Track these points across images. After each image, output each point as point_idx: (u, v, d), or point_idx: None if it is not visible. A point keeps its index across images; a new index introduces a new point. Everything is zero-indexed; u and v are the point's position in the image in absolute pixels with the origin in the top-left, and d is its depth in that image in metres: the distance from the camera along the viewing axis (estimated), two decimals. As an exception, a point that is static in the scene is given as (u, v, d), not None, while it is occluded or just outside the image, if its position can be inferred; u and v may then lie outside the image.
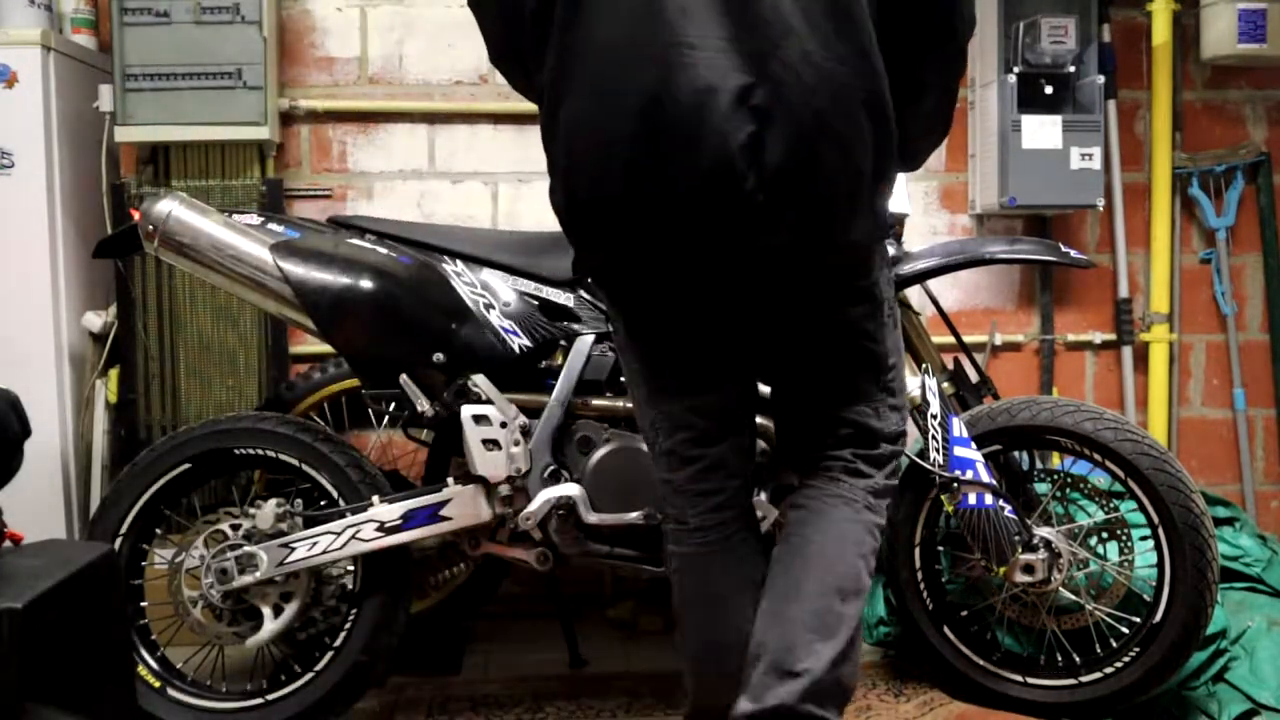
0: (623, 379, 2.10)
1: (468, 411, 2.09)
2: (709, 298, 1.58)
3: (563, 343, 2.20)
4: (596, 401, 2.16)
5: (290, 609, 2.08)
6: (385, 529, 2.07)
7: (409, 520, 2.08)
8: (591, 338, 2.18)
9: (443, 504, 2.10)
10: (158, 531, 2.17)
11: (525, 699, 2.29)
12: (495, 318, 2.17)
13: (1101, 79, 2.91)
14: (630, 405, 2.12)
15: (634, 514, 2.08)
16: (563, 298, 2.21)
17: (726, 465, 1.65)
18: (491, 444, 2.08)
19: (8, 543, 1.26)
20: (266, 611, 2.07)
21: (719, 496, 1.65)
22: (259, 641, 2.07)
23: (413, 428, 2.43)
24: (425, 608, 2.55)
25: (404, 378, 2.13)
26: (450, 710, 2.24)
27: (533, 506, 2.08)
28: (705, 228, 1.46)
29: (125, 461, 2.38)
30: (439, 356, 2.12)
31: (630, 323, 1.66)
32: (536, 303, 2.20)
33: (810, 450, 1.70)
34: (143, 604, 2.15)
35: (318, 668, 2.08)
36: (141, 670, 2.06)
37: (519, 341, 2.16)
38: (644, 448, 2.08)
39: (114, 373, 2.68)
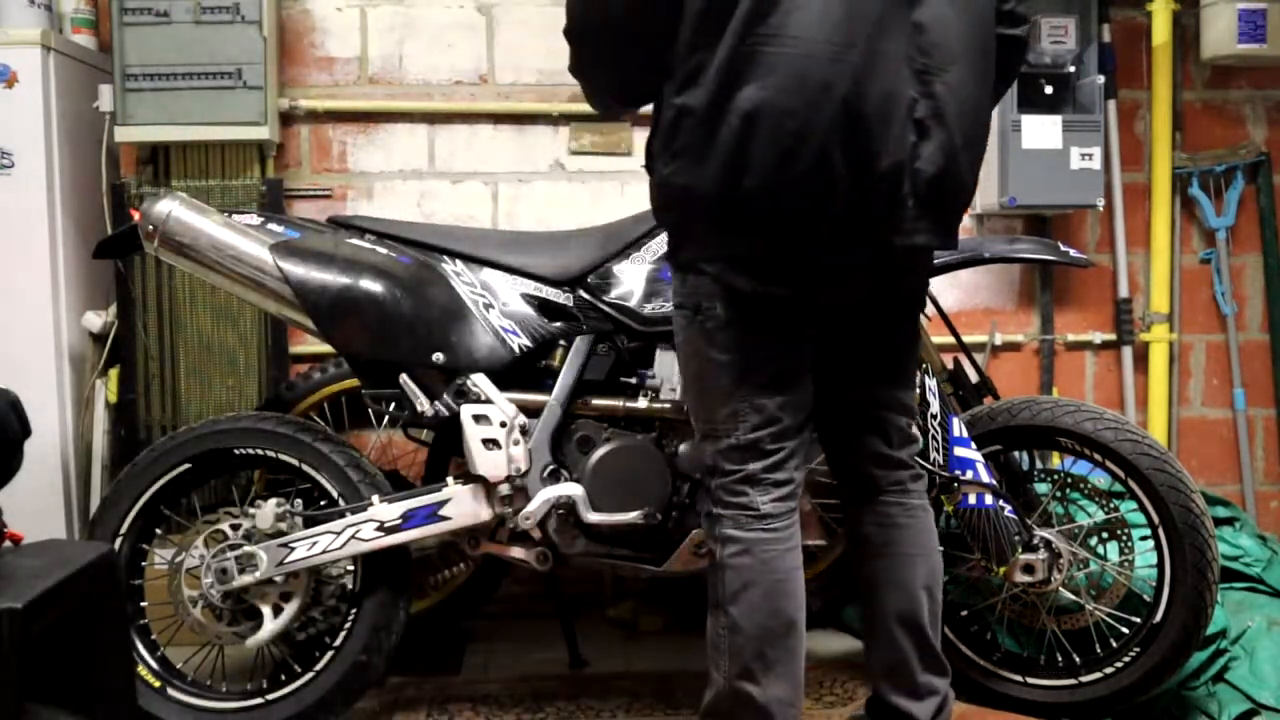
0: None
1: (467, 411, 2.09)
2: (833, 293, 1.73)
3: (562, 343, 2.20)
4: (596, 401, 2.16)
5: (290, 609, 2.08)
6: (385, 529, 2.07)
7: (408, 520, 2.08)
8: (591, 337, 2.18)
9: (442, 504, 2.10)
10: (158, 531, 2.18)
11: (525, 699, 2.29)
12: (495, 317, 2.17)
13: (1101, 79, 2.91)
14: (631, 405, 2.14)
15: (634, 513, 2.08)
16: (562, 298, 2.21)
17: (797, 457, 1.77)
18: (491, 443, 2.08)
19: (8, 543, 1.26)
20: (266, 611, 2.07)
21: (789, 486, 1.76)
22: (259, 641, 2.07)
23: (412, 428, 2.43)
24: (425, 608, 2.56)
25: (404, 378, 2.13)
26: (450, 710, 2.24)
27: (532, 506, 2.07)
28: (865, 224, 1.63)
29: (125, 461, 2.38)
30: (439, 356, 2.12)
31: (746, 314, 1.69)
32: (536, 303, 2.20)
33: (880, 454, 1.86)
34: (143, 604, 2.16)
35: (317, 667, 2.08)
36: (141, 670, 2.07)
37: (518, 341, 2.16)
38: (643, 448, 2.11)
39: (114, 373, 2.69)
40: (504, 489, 2.08)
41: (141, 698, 1.99)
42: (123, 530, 2.12)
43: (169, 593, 2.14)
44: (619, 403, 2.15)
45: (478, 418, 2.09)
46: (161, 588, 2.17)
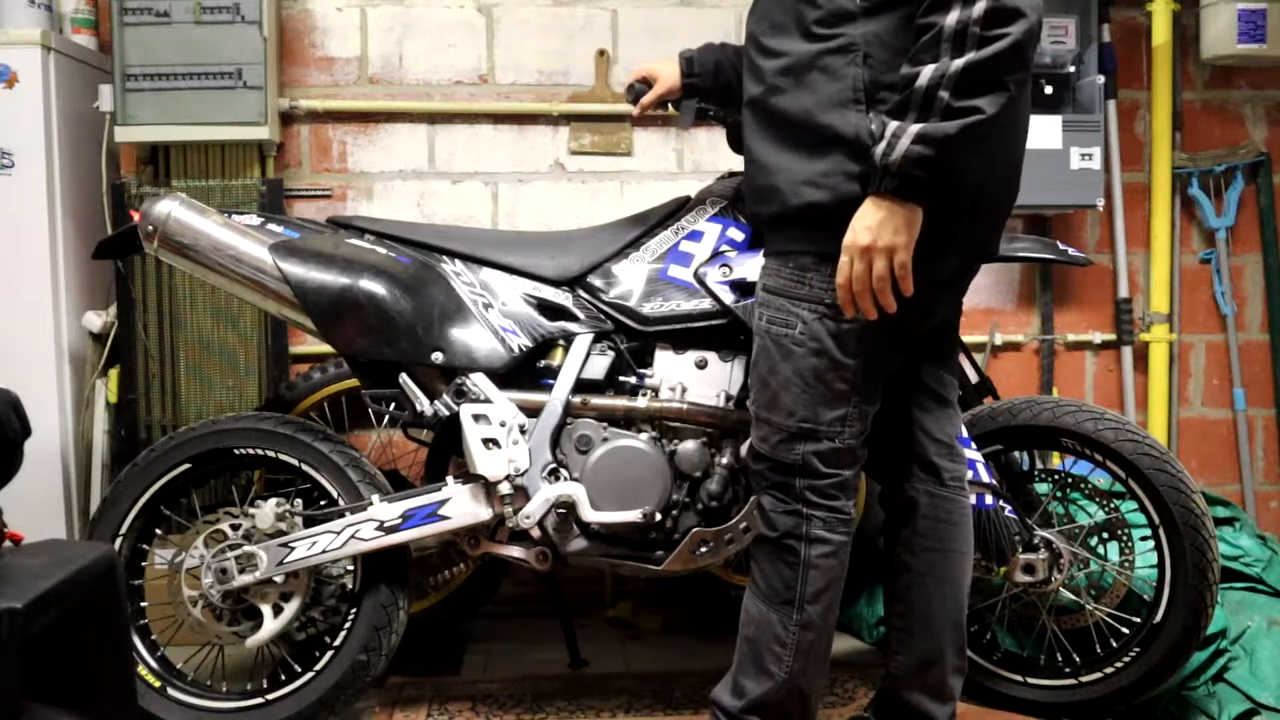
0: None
1: (467, 411, 2.09)
2: (950, 301, 1.90)
3: (561, 342, 2.20)
4: (595, 400, 2.16)
5: (290, 609, 2.08)
6: (385, 528, 2.07)
7: (408, 519, 2.08)
8: (590, 337, 2.18)
9: (442, 503, 2.10)
10: (158, 532, 2.18)
11: (525, 699, 2.29)
12: (494, 317, 2.17)
13: (1101, 79, 2.92)
14: (630, 404, 2.14)
15: (633, 513, 2.08)
16: (561, 297, 2.21)
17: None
18: (491, 443, 2.08)
19: (8, 543, 1.26)
20: (266, 611, 2.08)
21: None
22: (259, 641, 2.07)
23: (412, 428, 2.43)
24: (425, 608, 2.56)
25: (403, 377, 2.13)
26: (450, 710, 2.24)
27: (532, 505, 2.07)
28: (994, 234, 1.83)
29: (125, 461, 2.38)
30: (438, 356, 2.12)
31: (884, 319, 1.68)
32: (535, 302, 2.20)
33: (949, 446, 1.92)
34: (143, 604, 2.16)
35: (317, 667, 2.08)
36: (141, 670, 2.07)
37: (518, 341, 2.16)
38: (643, 447, 2.11)
39: (114, 373, 2.69)
40: (504, 488, 2.08)
41: (141, 698, 1.99)
42: (123, 530, 2.12)
43: (169, 593, 2.14)
44: (618, 402, 2.15)
45: (477, 417, 2.09)
46: (161, 588, 2.18)
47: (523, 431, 2.11)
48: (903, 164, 1.56)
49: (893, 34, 1.65)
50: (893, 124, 1.58)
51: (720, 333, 2.17)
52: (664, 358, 2.20)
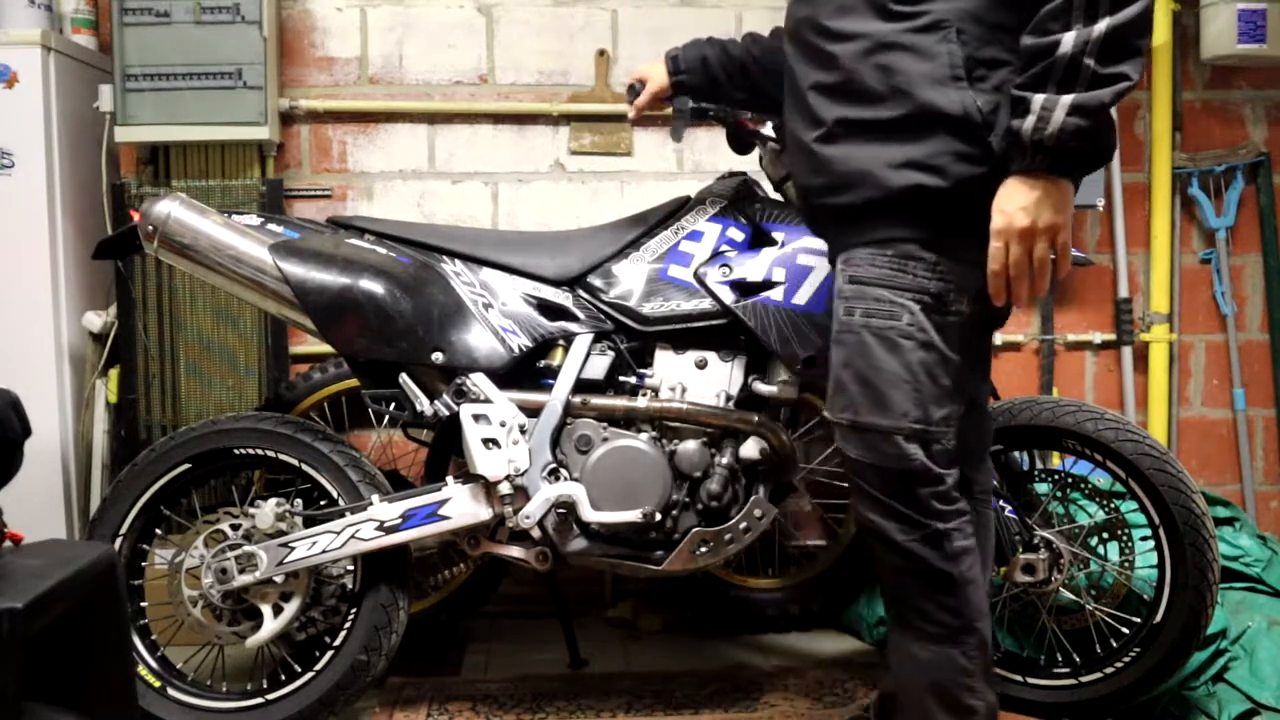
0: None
1: (467, 411, 2.09)
2: None
3: (561, 342, 2.20)
4: (595, 400, 2.16)
5: (290, 609, 2.08)
6: (385, 528, 2.07)
7: (408, 519, 2.08)
8: (590, 337, 2.18)
9: (442, 503, 2.10)
10: (158, 532, 2.18)
11: (525, 699, 2.29)
12: (494, 317, 2.17)
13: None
14: (630, 404, 2.14)
15: (633, 513, 2.08)
16: (561, 297, 2.21)
17: None
18: (490, 443, 2.08)
19: (8, 543, 1.26)
20: (266, 611, 2.08)
21: None
22: (259, 641, 2.07)
23: (412, 428, 2.43)
24: (425, 608, 2.56)
25: (403, 377, 2.13)
26: (450, 710, 2.24)
27: (532, 505, 2.07)
28: None
29: (125, 461, 2.38)
30: (438, 356, 2.12)
31: (984, 311, 1.67)
32: (535, 302, 2.20)
33: (969, 455, 1.83)
34: (143, 604, 2.16)
35: (317, 667, 2.08)
36: (142, 670, 2.07)
37: (518, 341, 2.16)
38: (643, 447, 2.11)
39: (114, 373, 2.69)
40: (504, 488, 2.08)
41: (142, 698, 1.99)
42: (123, 530, 2.12)
43: (169, 593, 2.14)
44: (618, 402, 2.15)
45: (477, 417, 2.09)
46: (161, 588, 2.18)
47: (523, 431, 2.11)
48: (1059, 137, 1.48)
49: (985, 9, 1.60)
50: (1039, 97, 1.48)
51: (720, 333, 2.18)
52: (664, 358, 2.20)
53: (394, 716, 2.22)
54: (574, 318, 2.19)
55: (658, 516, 2.09)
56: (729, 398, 2.18)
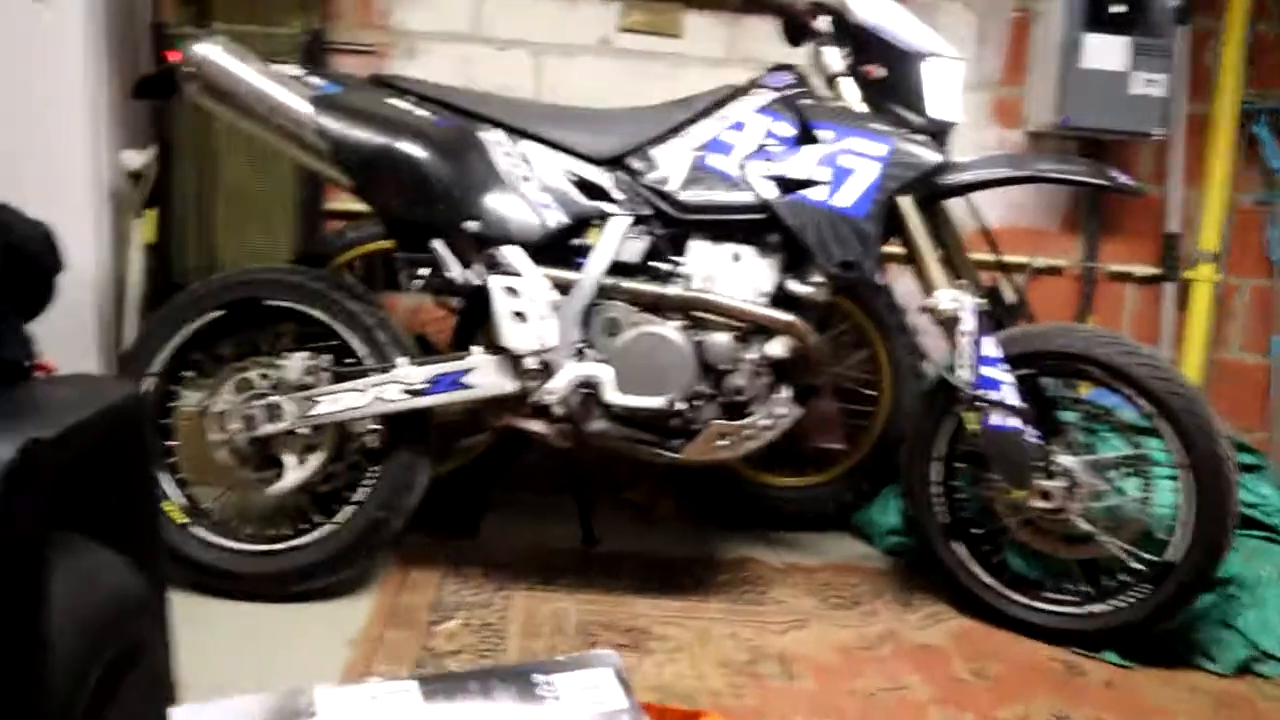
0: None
1: (498, 282, 2.08)
2: None
3: (596, 222, 2.17)
4: (627, 284, 2.14)
5: (313, 461, 2.11)
6: (410, 391, 2.08)
7: (433, 385, 2.09)
8: (627, 219, 2.15)
9: (467, 372, 2.11)
10: (188, 374, 2.19)
11: (537, 570, 2.33)
12: (532, 190, 2.14)
13: (1175, 2, 2.78)
14: (661, 290, 2.12)
15: (658, 399, 2.08)
16: (600, 176, 2.17)
17: None
18: (519, 316, 2.08)
19: (39, 374, 1.27)
20: (290, 461, 2.11)
21: None
22: (281, 490, 2.10)
23: (442, 294, 2.42)
24: (446, 471, 2.58)
25: (436, 243, 2.12)
26: (464, 574, 2.29)
27: (556, 382, 2.08)
28: None
29: (159, 302, 2.39)
30: (472, 224, 2.10)
31: None
32: (574, 179, 2.17)
33: None
34: (171, 443, 2.18)
35: (337, 519, 2.11)
36: (168, 507, 2.11)
37: (554, 216, 2.13)
38: (671, 335, 2.10)
39: (151, 213, 2.67)
40: (529, 363, 2.08)
41: (167, 533, 2.03)
42: (155, 369, 2.13)
43: (196, 436, 2.16)
44: (650, 288, 2.13)
45: (508, 289, 2.08)
46: (190, 429, 2.20)
47: (553, 308, 2.10)
48: None
49: None
50: None
51: (758, 228, 2.14)
52: (699, 247, 2.17)
53: (409, 575, 2.26)
54: (612, 198, 2.16)
55: (680, 405, 2.09)
56: (761, 294, 2.15)
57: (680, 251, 2.19)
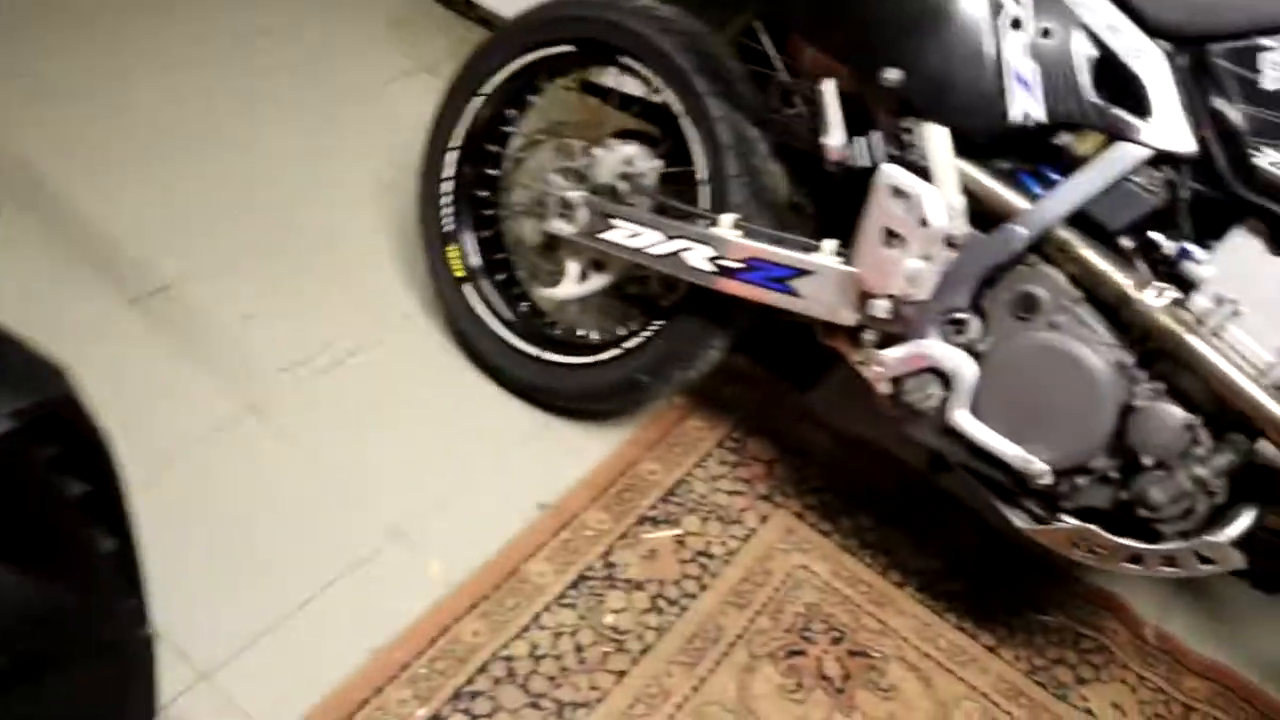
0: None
1: (889, 175, 1.36)
2: None
3: (1100, 135, 1.29)
4: (1085, 251, 1.31)
5: (597, 280, 1.70)
6: (717, 267, 1.52)
7: (749, 271, 1.51)
8: (1145, 154, 1.26)
9: (800, 275, 1.48)
10: (530, 98, 1.78)
11: (841, 486, 1.83)
12: (1012, 50, 1.29)
13: None
14: (1133, 292, 1.26)
15: (1018, 452, 1.35)
16: (1148, 62, 1.25)
17: None
18: (894, 238, 1.37)
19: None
20: (572, 270, 1.70)
21: None
22: (554, 297, 1.74)
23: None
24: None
25: (827, 86, 1.40)
26: (745, 448, 1.85)
27: (894, 355, 1.41)
28: None
29: None
30: (892, 75, 1.34)
31: None
32: (1099, 54, 1.27)
33: None
34: (492, 172, 1.84)
35: (597, 356, 1.72)
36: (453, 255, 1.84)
37: (1026, 106, 1.29)
38: (1101, 374, 1.29)
39: None
40: (881, 306, 1.41)
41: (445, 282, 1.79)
42: (485, 90, 1.74)
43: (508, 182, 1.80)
44: (1118, 277, 1.29)
45: (897, 191, 1.36)
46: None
47: (950, 245, 1.35)
48: None
49: None
50: None
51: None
52: (1242, 246, 1.25)
53: (688, 422, 1.87)
54: (1145, 109, 1.25)
55: (1050, 479, 1.35)
56: (1297, 370, 1.23)
57: (1205, 238, 1.28)
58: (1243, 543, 1.29)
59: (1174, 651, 1.72)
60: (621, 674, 1.52)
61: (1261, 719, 1.66)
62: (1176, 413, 1.27)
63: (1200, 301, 1.26)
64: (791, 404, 1.95)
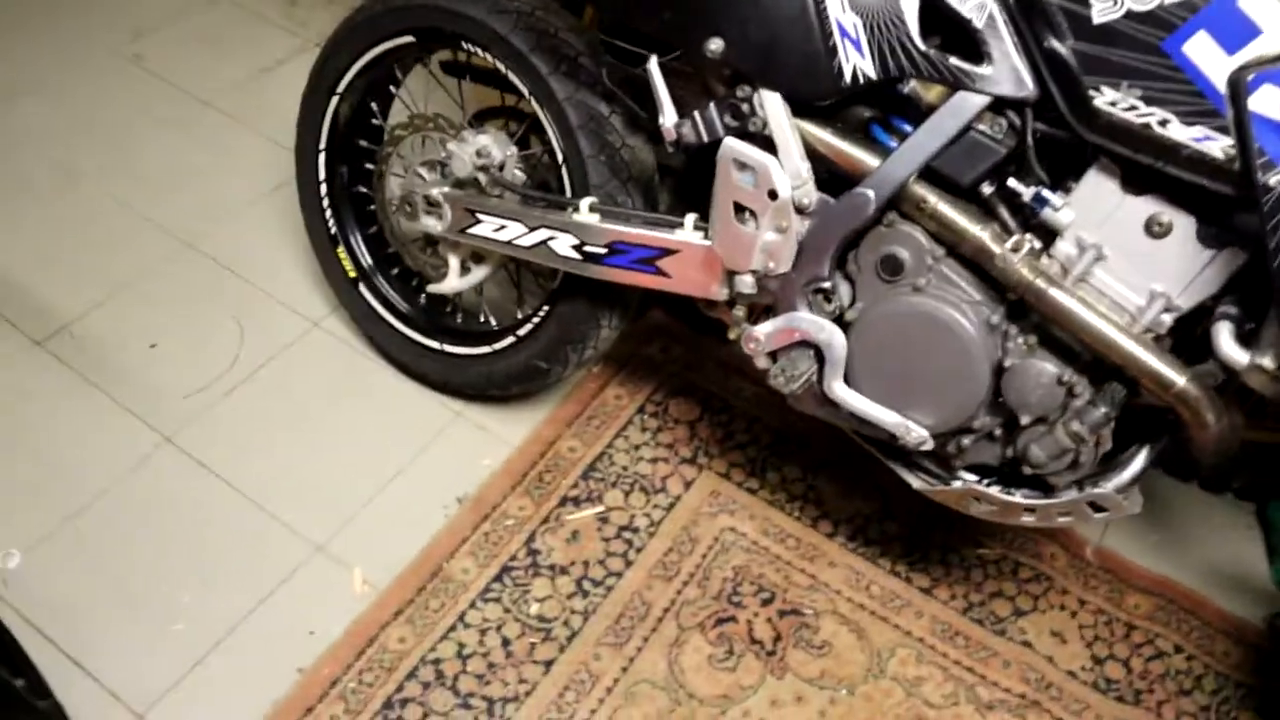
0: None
1: (731, 149, 1.29)
2: None
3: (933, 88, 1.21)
4: (944, 208, 1.24)
5: (478, 273, 1.66)
6: (583, 254, 1.47)
7: (614, 255, 1.46)
8: (984, 101, 1.17)
9: (665, 254, 1.43)
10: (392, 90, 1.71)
11: (772, 409, 1.82)
12: (833, 4, 1.20)
13: None
14: (993, 245, 1.19)
15: (895, 418, 1.31)
16: (982, 15, 1.15)
17: None
18: (744, 213, 1.32)
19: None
20: (454, 265, 1.66)
21: None
22: (438, 291, 1.69)
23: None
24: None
25: (653, 64, 1.32)
26: (671, 410, 1.83)
27: (765, 329, 1.36)
28: None
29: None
30: (715, 45, 1.26)
31: None
32: (927, 4, 1.17)
33: None
34: (371, 166, 1.77)
35: (495, 346, 1.70)
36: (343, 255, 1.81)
37: (855, 62, 1.21)
38: (968, 334, 1.24)
39: None
40: (745, 283, 1.36)
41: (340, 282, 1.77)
42: (339, 89, 1.68)
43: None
44: (975, 230, 1.22)
45: (742, 165, 1.29)
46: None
47: (800, 212, 1.29)
48: None
49: None
50: None
51: (1216, 201, 1.09)
52: (1097, 185, 1.18)
53: (609, 390, 1.85)
54: (979, 55, 1.16)
55: (931, 443, 1.31)
56: (1166, 310, 1.17)
57: (1062, 178, 1.20)
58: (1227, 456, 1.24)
59: (1116, 569, 1.69)
60: (549, 663, 1.55)
61: (1204, 629, 1.63)
62: (1048, 369, 1.22)
63: (1063, 248, 1.20)
64: (714, 357, 1.92)
